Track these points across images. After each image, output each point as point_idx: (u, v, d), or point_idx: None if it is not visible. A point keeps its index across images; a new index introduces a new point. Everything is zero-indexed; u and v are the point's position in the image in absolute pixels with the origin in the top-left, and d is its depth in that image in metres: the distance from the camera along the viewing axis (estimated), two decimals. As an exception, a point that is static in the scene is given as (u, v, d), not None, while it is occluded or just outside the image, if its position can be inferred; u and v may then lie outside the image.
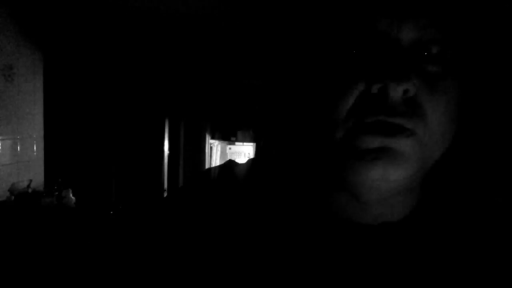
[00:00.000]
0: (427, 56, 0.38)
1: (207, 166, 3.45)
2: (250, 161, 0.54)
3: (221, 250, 0.43)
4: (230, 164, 0.54)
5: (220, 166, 0.54)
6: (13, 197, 2.18)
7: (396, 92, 0.36)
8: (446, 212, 0.44)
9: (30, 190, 2.32)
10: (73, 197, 2.33)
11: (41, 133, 2.63)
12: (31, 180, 2.37)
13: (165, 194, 3.11)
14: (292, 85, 0.45)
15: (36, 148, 2.58)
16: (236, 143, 3.91)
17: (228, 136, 3.79)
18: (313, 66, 0.41)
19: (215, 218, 0.45)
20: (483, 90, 0.42)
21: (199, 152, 3.42)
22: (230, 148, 3.99)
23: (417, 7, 0.37)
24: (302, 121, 0.43)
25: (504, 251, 0.41)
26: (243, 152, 3.97)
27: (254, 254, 0.42)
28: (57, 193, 2.28)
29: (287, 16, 0.45)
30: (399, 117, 0.36)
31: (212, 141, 3.65)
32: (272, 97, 0.50)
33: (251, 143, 3.80)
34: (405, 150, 0.37)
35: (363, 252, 0.41)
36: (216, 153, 3.82)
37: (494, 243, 0.41)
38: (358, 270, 0.40)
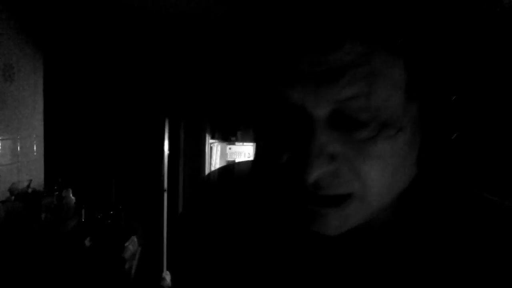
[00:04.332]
0: (355, 123, 0.34)
1: (207, 166, 3.45)
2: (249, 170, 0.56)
3: (228, 255, 0.47)
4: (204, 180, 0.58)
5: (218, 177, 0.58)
6: (13, 197, 2.18)
7: (312, 178, 0.34)
8: (423, 216, 0.43)
9: (30, 190, 2.32)
10: (73, 197, 2.32)
11: (41, 133, 2.63)
12: (31, 180, 2.37)
13: (165, 194, 3.11)
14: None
15: (36, 148, 2.58)
16: (236, 143, 3.90)
17: (228, 136, 3.79)
18: (259, 121, 0.42)
19: (219, 228, 0.50)
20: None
21: (199, 152, 3.42)
22: (230, 148, 3.98)
23: (333, 80, 0.32)
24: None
25: (485, 250, 0.40)
26: (243, 152, 3.97)
27: (245, 258, 0.46)
28: (57, 193, 2.28)
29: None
30: (326, 189, 0.36)
31: (212, 141, 3.64)
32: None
33: (251, 143, 3.80)
34: (339, 214, 0.37)
35: (341, 259, 0.42)
36: (216, 153, 3.82)
37: (477, 246, 0.40)
38: (335, 276, 0.42)
